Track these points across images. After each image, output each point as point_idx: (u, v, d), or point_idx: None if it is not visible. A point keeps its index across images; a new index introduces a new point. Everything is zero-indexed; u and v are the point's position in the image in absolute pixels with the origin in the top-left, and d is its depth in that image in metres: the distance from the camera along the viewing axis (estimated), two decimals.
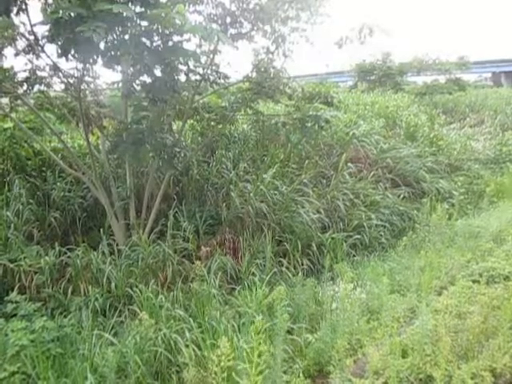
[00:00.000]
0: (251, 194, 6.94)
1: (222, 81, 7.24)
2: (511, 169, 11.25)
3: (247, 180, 7.42)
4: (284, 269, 6.14)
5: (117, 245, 6.38)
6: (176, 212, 6.89)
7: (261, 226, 6.74)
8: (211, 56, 6.77)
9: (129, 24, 5.06)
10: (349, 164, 8.81)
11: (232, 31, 6.59)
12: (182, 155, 7.10)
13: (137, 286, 5.19)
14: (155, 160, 6.74)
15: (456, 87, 21.16)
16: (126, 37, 5.16)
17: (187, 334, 4.22)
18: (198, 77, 6.97)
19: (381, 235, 7.51)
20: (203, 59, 6.80)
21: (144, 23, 5.19)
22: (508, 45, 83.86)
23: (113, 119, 7.40)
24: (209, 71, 6.97)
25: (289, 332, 4.30)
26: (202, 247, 6.36)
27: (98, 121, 7.31)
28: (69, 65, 5.89)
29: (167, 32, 5.11)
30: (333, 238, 6.88)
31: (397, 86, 21.59)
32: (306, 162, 8.32)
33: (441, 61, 21.80)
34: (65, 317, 4.89)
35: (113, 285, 5.49)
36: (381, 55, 22.11)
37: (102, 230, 6.61)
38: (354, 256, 6.84)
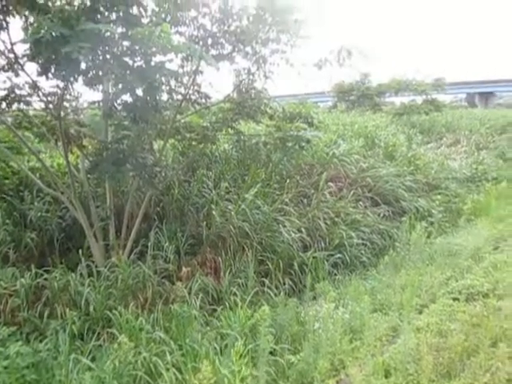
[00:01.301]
0: (233, 214, 6.93)
1: (204, 101, 7.29)
2: (487, 187, 11.54)
3: (229, 199, 7.42)
4: (266, 288, 6.11)
5: (96, 266, 6.25)
6: (157, 232, 6.82)
7: (242, 246, 6.71)
8: (193, 76, 6.81)
9: (111, 43, 5.08)
10: (329, 183, 8.90)
11: (213, 52, 6.64)
12: (163, 175, 7.06)
13: (116, 308, 5.08)
14: (136, 180, 6.69)
15: (432, 108, 21.75)
16: (108, 56, 5.17)
17: (168, 357, 4.13)
18: (179, 96, 7.01)
19: (362, 254, 7.56)
20: (185, 79, 6.84)
21: (126, 43, 5.21)
22: (481, 66, 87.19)
23: (93, 138, 7.33)
24: (190, 91, 7.01)
25: (271, 353, 4.26)
26: (183, 267, 6.29)
27: (78, 140, 7.23)
28: (49, 83, 5.85)
29: (150, 52, 5.14)
30: (314, 257, 6.89)
31: (375, 107, 22.10)
32: (288, 181, 8.37)
33: (417, 82, 22.41)
34: (41, 341, 4.72)
35: (91, 307, 5.35)
36: (359, 76, 22.63)
37: (80, 250, 6.47)
38: (335, 275, 6.86)
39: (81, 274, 5.94)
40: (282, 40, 6.64)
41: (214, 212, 7.03)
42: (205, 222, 6.99)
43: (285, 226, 7.20)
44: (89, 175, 7.24)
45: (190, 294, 5.60)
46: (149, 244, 6.47)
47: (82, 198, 7.15)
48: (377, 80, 23.50)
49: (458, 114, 22.97)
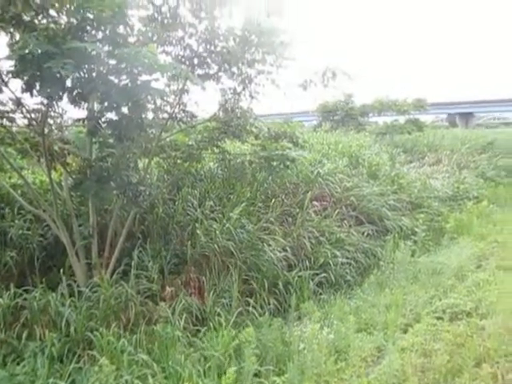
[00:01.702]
0: (217, 233, 6.90)
1: (190, 119, 7.32)
2: (469, 206, 11.74)
3: (213, 218, 7.38)
4: (250, 308, 6.06)
5: (77, 286, 6.12)
6: (140, 251, 6.73)
7: (227, 265, 6.66)
8: (179, 95, 6.85)
9: (97, 62, 5.09)
10: (314, 202, 8.94)
11: (200, 72, 6.71)
12: (148, 193, 7.01)
13: (97, 330, 4.96)
14: (120, 198, 6.63)
15: (415, 127, 22.17)
16: (94, 74, 5.18)
17: (150, 380, 4.05)
18: (165, 115, 7.02)
19: (346, 273, 7.57)
20: (171, 98, 6.88)
21: (112, 61, 5.23)
22: (462, 88, 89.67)
23: (77, 156, 7.26)
24: (176, 110, 7.04)
25: (256, 375, 4.21)
26: (167, 287, 6.20)
27: (62, 157, 7.14)
28: (34, 100, 5.81)
29: (136, 71, 5.16)
30: (299, 276, 6.88)
31: (359, 126, 22.43)
32: (273, 200, 8.38)
33: (400, 102, 22.87)
34: (18, 364, 4.57)
35: (72, 328, 5.20)
36: (343, 97, 23.01)
37: (62, 270, 6.34)
38: (320, 294, 6.84)
39: (62, 294, 5.79)
40: (268, 61, 6.75)
41: (198, 231, 6.98)
42: (189, 241, 6.92)
43: (270, 245, 7.18)
44: (72, 193, 7.15)
45: (173, 314, 5.51)
46: (132, 263, 6.37)
47: (64, 216, 7.03)
48: (360, 100, 23.95)
49: (439, 133, 23.42)
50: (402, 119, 22.82)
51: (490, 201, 12.29)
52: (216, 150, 8.13)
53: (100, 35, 5.29)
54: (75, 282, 6.24)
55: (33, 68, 4.58)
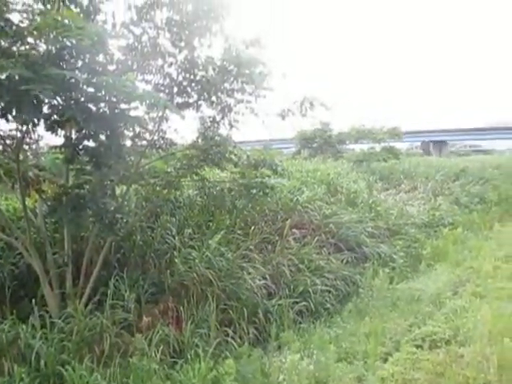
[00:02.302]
0: (196, 261, 6.81)
1: (169, 147, 7.31)
2: (444, 232, 11.94)
3: (192, 246, 7.29)
4: (229, 339, 5.95)
5: (50, 316, 5.90)
6: (117, 280, 6.56)
7: (206, 294, 6.55)
8: (158, 122, 6.86)
9: (75, 89, 5.07)
10: (293, 229, 8.96)
11: (179, 100, 6.76)
12: (125, 221, 6.91)
13: (69, 363, 4.78)
14: (96, 225, 6.50)
15: (391, 155, 22.59)
16: (72, 102, 5.15)
17: None
18: (144, 142, 7.00)
19: (326, 300, 7.53)
20: (150, 125, 6.87)
21: (91, 89, 5.22)
22: (435, 116, 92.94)
23: (52, 183, 7.13)
24: (156, 137, 7.03)
25: None
26: (144, 317, 6.05)
27: (37, 184, 7.02)
28: (8, 125, 5.73)
29: (114, 99, 5.16)
30: (279, 305, 6.82)
31: (337, 154, 22.78)
32: (252, 227, 8.37)
33: (376, 131, 23.36)
34: None
35: (42, 362, 5.00)
36: (321, 125, 23.40)
37: (34, 300, 6.11)
38: (300, 323, 6.78)
39: (33, 326, 5.57)
40: (247, 90, 6.85)
41: (176, 259, 6.89)
42: (167, 270, 6.82)
43: (249, 273, 7.12)
44: (46, 220, 6.99)
45: (149, 345, 5.36)
46: (108, 292, 6.21)
47: (38, 243, 6.84)
48: (337, 126, 24.35)
49: (414, 161, 23.94)
50: (378, 147, 23.26)
51: (464, 227, 12.55)
52: (195, 178, 8.11)
53: (79, 63, 5.31)
54: (47, 312, 6.02)
55: (9, 94, 4.53)
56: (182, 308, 6.29)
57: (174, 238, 7.45)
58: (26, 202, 6.77)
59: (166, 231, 7.68)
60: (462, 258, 9.59)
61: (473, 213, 15.11)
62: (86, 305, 6.14)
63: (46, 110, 5.07)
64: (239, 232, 8.14)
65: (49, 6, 5.20)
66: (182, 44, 6.28)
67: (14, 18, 4.97)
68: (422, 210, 13.92)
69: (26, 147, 7.11)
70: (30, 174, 6.95)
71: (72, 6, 5.53)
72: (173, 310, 6.32)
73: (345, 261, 8.94)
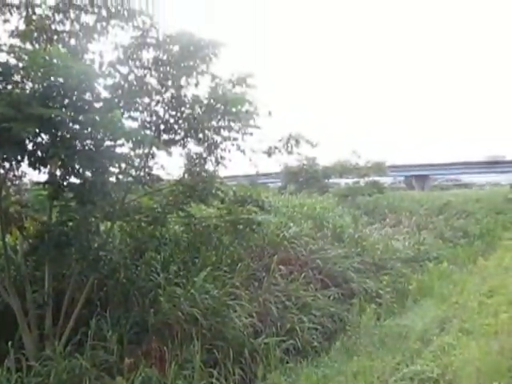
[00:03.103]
0: (181, 299, 6.68)
1: (155, 183, 7.30)
2: (429, 267, 11.98)
3: (177, 283, 7.17)
4: (214, 380, 5.78)
5: (26, 359, 5.68)
6: (99, 319, 6.38)
7: (190, 333, 6.39)
8: (145, 159, 6.87)
9: (60, 127, 5.09)
10: (280, 266, 8.89)
11: (166, 137, 6.81)
12: (109, 258, 6.80)
13: None
14: (79, 263, 6.38)
15: (375, 189, 22.89)
16: (57, 139, 5.15)
17: None
18: (130, 178, 6.99)
19: (313, 338, 7.41)
20: (137, 162, 6.88)
21: (77, 126, 5.25)
22: (417, 150, 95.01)
23: (35, 220, 7.03)
24: (142, 173, 7.02)
25: None
26: (126, 358, 5.85)
27: (19, 221, 6.90)
28: None
29: (100, 136, 5.18)
30: (266, 344, 6.68)
31: (323, 188, 22.97)
32: (239, 264, 8.29)
33: (360, 166, 23.73)
34: None
35: None
36: (306, 160, 23.70)
37: (11, 341, 5.88)
38: (287, 362, 6.62)
39: (8, 369, 5.35)
40: (234, 128, 6.96)
41: (161, 297, 6.75)
42: (151, 308, 6.66)
43: (235, 311, 7.00)
44: (27, 258, 6.83)
45: None
46: (89, 332, 6.01)
47: (17, 282, 6.66)
48: (321, 160, 24.67)
49: (398, 195, 24.29)
50: (362, 181, 23.57)
51: (449, 261, 12.61)
52: (181, 214, 8.07)
53: (66, 101, 5.34)
54: (24, 355, 5.80)
55: None
56: (165, 348, 6.11)
57: (159, 275, 7.31)
58: (7, 239, 6.64)
59: (151, 268, 7.55)
60: (448, 292, 9.58)
61: (457, 247, 15.25)
62: (66, 346, 5.93)
63: (30, 147, 5.06)
64: (225, 269, 8.05)
65: (37, 46, 5.29)
66: (169, 83, 6.40)
67: (1, 57, 5.03)
68: (407, 245, 14.01)
69: (9, 183, 7.03)
70: (12, 210, 6.85)
71: (60, 46, 5.63)
72: (156, 350, 6.14)
73: (332, 297, 8.87)
